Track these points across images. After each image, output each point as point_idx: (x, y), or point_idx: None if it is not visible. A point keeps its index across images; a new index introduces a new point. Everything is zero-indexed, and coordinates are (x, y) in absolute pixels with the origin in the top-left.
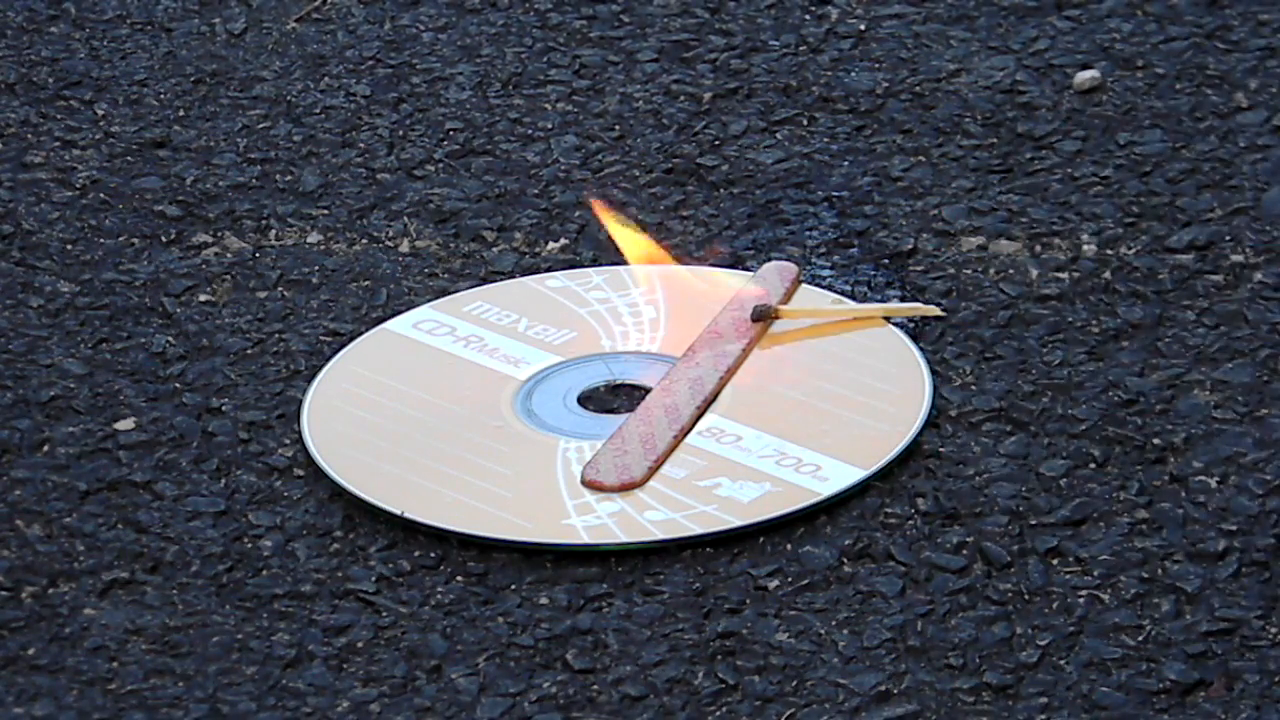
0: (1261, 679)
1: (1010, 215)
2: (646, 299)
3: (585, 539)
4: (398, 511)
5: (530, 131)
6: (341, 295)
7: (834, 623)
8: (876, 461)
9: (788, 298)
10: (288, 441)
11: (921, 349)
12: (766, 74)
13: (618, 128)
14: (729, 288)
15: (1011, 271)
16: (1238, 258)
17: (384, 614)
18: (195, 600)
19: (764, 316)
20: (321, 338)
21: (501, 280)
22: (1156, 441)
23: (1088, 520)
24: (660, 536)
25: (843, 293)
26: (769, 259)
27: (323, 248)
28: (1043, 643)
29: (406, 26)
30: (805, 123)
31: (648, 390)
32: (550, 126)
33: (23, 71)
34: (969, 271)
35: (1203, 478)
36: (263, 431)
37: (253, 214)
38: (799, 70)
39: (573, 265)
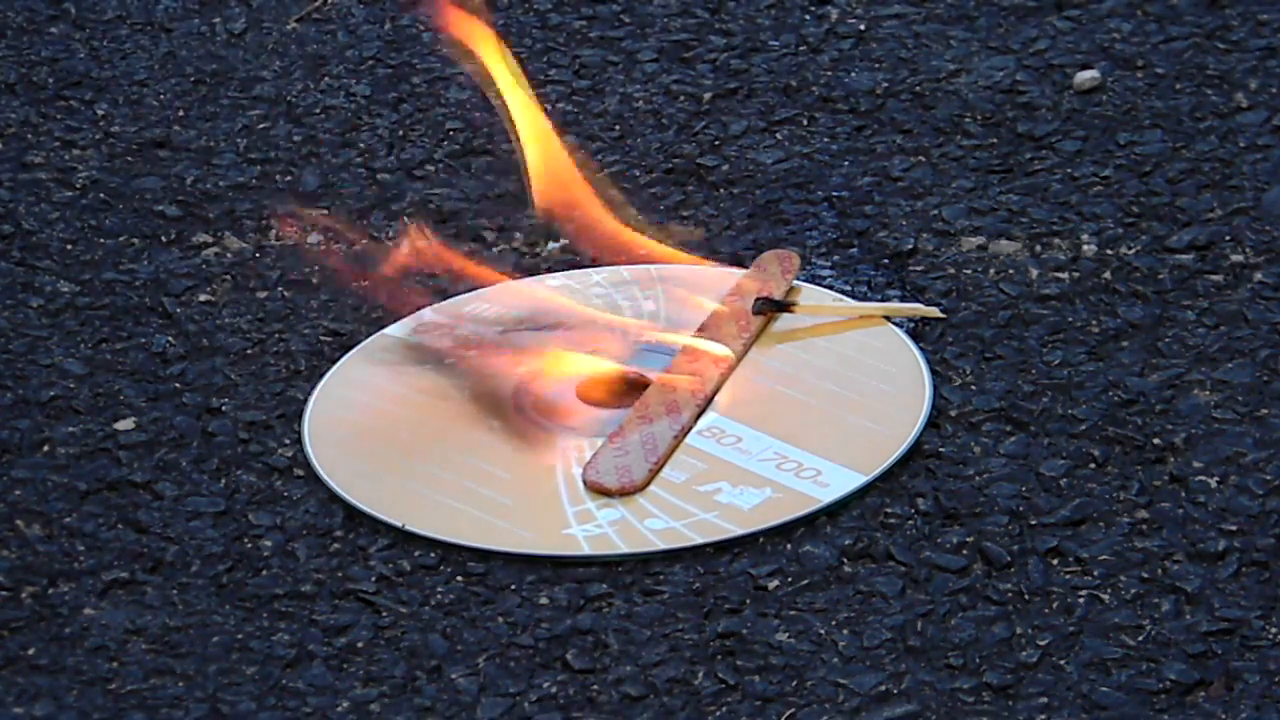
0: (1261, 679)
1: (1010, 215)
2: (645, 293)
3: (586, 550)
4: (399, 524)
5: None
6: (341, 295)
7: (834, 623)
8: (876, 466)
9: (789, 288)
10: (288, 441)
11: (921, 349)
12: (766, 74)
13: (618, 128)
14: (728, 279)
15: (1011, 271)
16: (1238, 258)
17: (384, 614)
18: (195, 600)
19: (766, 309)
20: (322, 338)
21: (501, 280)
22: (1157, 441)
23: (1088, 520)
24: (662, 546)
25: (843, 293)
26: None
27: (323, 248)
28: (1043, 643)
29: (406, 27)
30: (805, 123)
31: (648, 383)
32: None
33: (23, 71)
34: (969, 271)
35: (1203, 478)
36: (263, 431)
37: (253, 214)
38: (799, 70)
39: (573, 265)
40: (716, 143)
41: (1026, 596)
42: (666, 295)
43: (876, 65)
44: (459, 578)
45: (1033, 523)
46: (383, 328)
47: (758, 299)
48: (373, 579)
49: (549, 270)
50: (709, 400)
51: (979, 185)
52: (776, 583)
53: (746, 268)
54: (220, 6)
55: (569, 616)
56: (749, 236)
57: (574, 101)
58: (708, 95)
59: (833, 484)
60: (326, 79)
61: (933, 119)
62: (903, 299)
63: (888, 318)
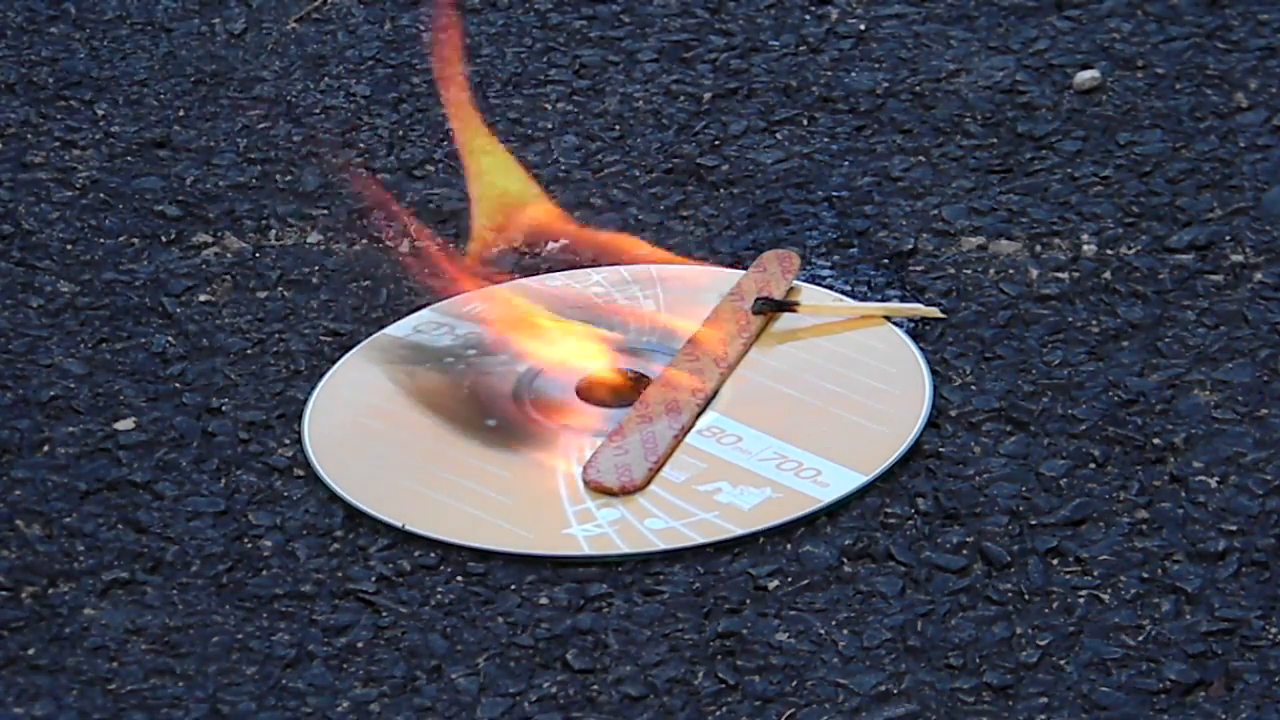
0: (1261, 679)
1: (1010, 215)
2: (645, 293)
3: (586, 550)
4: (399, 525)
5: (530, 131)
6: (341, 295)
7: (834, 623)
8: (877, 466)
9: (789, 288)
10: (288, 441)
11: (921, 349)
12: (766, 74)
13: (618, 128)
14: (728, 278)
15: (1011, 271)
16: (1238, 258)
17: (384, 614)
18: (195, 600)
19: (766, 309)
20: (321, 338)
21: (502, 281)
22: (1156, 441)
23: (1088, 520)
24: (662, 546)
25: (843, 293)
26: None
27: (323, 248)
28: (1043, 643)
29: (406, 26)
30: (805, 123)
31: (649, 380)
32: (550, 126)
33: (23, 71)
34: (969, 271)
35: (1203, 478)
36: (263, 431)
37: (253, 214)
38: (799, 70)
39: (573, 265)
40: (716, 143)
41: (1026, 596)
42: (666, 295)
43: (876, 65)
44: (459, 578)
45: (1033, 523)
46: (383, 328)
47: (758, 299)
48: (373, 579)
49: (549, 270)
50: (709, 400)
51: (979, 185)
52: (776, 583)
53: (746, 268)
54: (220, 6)
55: (569, 616)
56: (749, 236)
57: (574, 101)
58: (708, 95)
59: (833, 484)
60: (326, 79)
61: (933, 119)
62: (903, 299)
63: (888, 318)
